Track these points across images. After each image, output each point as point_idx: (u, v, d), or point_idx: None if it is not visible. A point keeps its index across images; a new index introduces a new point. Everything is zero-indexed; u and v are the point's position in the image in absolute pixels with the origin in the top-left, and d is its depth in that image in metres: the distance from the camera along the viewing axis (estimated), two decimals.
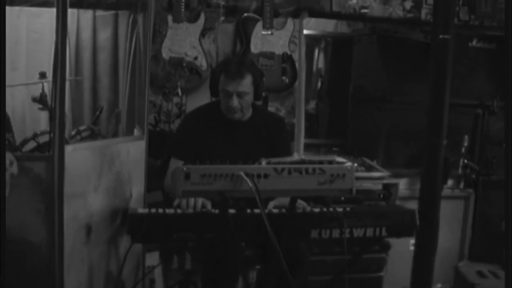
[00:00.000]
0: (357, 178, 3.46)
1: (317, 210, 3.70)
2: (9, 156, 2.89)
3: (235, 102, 3.97)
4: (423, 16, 5.77)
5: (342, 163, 3.32)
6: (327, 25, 6.21)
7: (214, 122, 4.12)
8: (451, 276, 5.62)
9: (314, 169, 3.26)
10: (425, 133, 4.52)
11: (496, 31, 5.94)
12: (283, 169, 3.25)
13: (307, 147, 5.71)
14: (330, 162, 3.30)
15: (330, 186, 3.27)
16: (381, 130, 5.72)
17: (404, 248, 5.09)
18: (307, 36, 5.75)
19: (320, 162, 3.30)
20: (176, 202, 3.72)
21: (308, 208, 3.76)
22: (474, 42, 5.86)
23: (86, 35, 5.62)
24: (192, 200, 3.67)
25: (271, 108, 5.59)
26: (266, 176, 3.24)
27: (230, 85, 3.94)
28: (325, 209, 3.70)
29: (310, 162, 3.30)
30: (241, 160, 3.35)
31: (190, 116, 4.33)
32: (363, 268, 4.90)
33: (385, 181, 5.10)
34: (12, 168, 2.90)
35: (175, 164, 3.65)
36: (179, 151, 4.07)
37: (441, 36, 4.40)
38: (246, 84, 3.96)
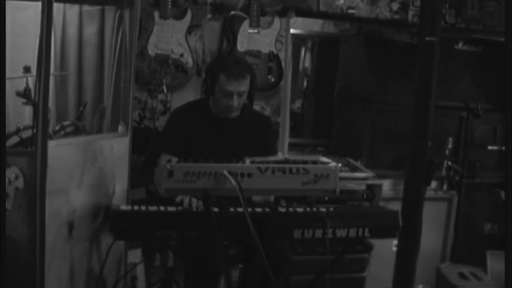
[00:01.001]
0: (341, 179, 3.48)
1: (300, 210, 3.71)
2: (14, 170, 2.88)
3: (235, 102, 3.98)
4: (409, 17, 5.78)
5: (326, 163, 3.33)
6: (314, 25, 6.20)
7: (202, 119, 4.13)
8: (433, 277, 5.63)
9: (298, 169, 3.26)
10: (410, 134, 4.53)
11: (483, 34, 5.96)
12: (267, 169, 3.25)
13: (292, 147, 5.71)
14: (314, 162, 3.31)
15: (314, 186, 3.27)
16: (366, 131, 5.73)
17: (386, 249, 5.10)
18: (293, 35, 5.75)
19: (304, 162, 3.30)
20: (179, 198, 3.71)
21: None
22: (460, 45, 5.88)
23: (72, 30, 5.59)
24: (194, 202, 3.66)
25: (256, 107, 5.58)
26: (249, 175, 3.24)
27: (232, 85, 3.95)
28: (308, 209, 3.71)
29: (294, 161, 3.30)
30: (228, 158, 3.35)
31: (178, 112, 4.33)
32: (345, 268, 4.91)
33: (369, 182, 5.11)
34: (17, 182, 2.89)
35: (163, 160, 3.64)
36: (169, 146, 4.07)
37: (427, 38, 4.41)
38: (246, 84, 3.99)
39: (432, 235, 5.67)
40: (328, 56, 6.23)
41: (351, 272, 5.01)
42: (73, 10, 5.56)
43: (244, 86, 3.96)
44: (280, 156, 3.60)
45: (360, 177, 5.09)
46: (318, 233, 3.62)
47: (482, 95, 5.82)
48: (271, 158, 3.38)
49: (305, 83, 6.46)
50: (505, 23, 3.77)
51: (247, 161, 3.29)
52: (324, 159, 3.37)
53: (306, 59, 6.41)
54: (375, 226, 3.73)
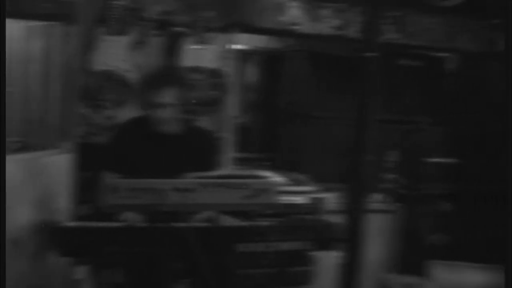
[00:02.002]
0: (286, 192, 3.52)
1: (243, 224, 3.75)
2: None
3: (160, 113, 4.01)
4: (351, 33, 5.88)
5: (266, 177, 3.38)
6: (259, 40, 6.26)
7: (144, 134, 4.15)
8: None
9: (238, 184, 3.31)
10: (351, 148, 4.60)
11: (423, 49, 6.09)
12: (208, 184, 3.29)
13: (240, 161, 5.74)
14: (254, 177, 3.36)
15: (254, 201, 3.32)
16: (311, 145, 5.80)
17: (331, 261, 5.15)
18: (239, 51, 5.80)
19: (245, 177, 3.35)
20: (122, 215, 3.73)
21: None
22: (402, 60, 5.99)
23: (18, 45, 5.56)
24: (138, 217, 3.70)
25: (201, 122, 5.60)
26: (192, 190, 3.27)
27: (155, 97, 3.99)
28: (250, 223, 3.75)
29: (235, 176, 3.35)
30: (170, 173, 3.39)
31: (121, 127, 4.36)
32: (289, 282, 4.93)
33: (313, 195, 5.17)
34: None
35: (108, 176, 3.67)
36: (114, 162, 4.09)
37: (368, 54, 4.48)
38: (171, 95, 4.01)
39: (377, 247, 5.74)
40: (273, 71, 6.29)
41: (295, 285, 5.04)
42: (19, 25, 5.53)
43: (167, 98, 4.00)
44: (223, 171, 3.64)
45: (304, 190, 5.15)
46: (261, 247, 3.66)
47: (424, 108, 5.92)
48: (214, 173, 3.43)
49: (250, 98, 6.50)
50: (505, 27, 3.83)
51: (190, 176, 3.33)
52: (265, 173, 3.42)
53: (251, 74, 6.46)
54: (317, 239, 3.80)
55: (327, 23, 5.82)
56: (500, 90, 6.40)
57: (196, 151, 4.19)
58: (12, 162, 3.72)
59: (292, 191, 5.06)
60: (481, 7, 6.12)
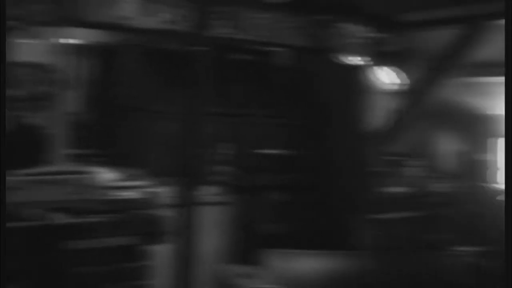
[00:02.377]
0: (122, 188, 3.52)
1: (72, 220, 3.72)
2: None
3: None
4: (184, 28, 5.90)
5: (93, 173, 3.38)
6: (93, 34, 6.16)
7: None
8: (214, 280, 5.79)
9: (63, 180, 3.29)
10: (183, 142, 4.66)
11: (256, 44, 6.21)
12: (33, 181, 3.25)
13: (75, 158, 5.63)
14: (81, 173, 3.35)
15: (80, 197, 3.31)
16: (148, 139, 5.80)
17: (166, 255, 5.18)
18: (71, 45, 5.70)
19: (72, 173, 3.34)
20: None
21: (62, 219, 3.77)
22: (234, 54, 6.08)
23: None
24: None
25: (32, 119, 5.46)
26: (17, 188, 3.23)
27: None
28: (81, 220, 3.73)
29: (62, 173, 3.33)
30: None
31: None
32: (123, 277, 4.93)
33: (149, 190, 5.17)
34: None
35: None
36: None
37: (199, 48, 4.55)
38: None
39: (213, 239, 5.82)
40: (108, 66, 6.23)
41: (129, 280, 5.03)
42: None
43: None
44: (50, 167, 3.59)
45: (140, 185, 5.14)
46: (93, 244, 3.66)
47: (257, 101, 6.05)
48: (40, 170, 3.39)
49: (86, 93, 6.40)
50: (505, 26, 3.90)
51: (16, 174, 3.29)
52: (93, 169, 3.42)
53: (85, 69, 6.35)
54: (149, 233, 3.83)
55: (159, 18, 5.81)
56: (327, 85, 6.68)
57: (24, 148, 4.12)
58: None
59: (126, 186, 5.04)
60: (308, 5, 6.33)
